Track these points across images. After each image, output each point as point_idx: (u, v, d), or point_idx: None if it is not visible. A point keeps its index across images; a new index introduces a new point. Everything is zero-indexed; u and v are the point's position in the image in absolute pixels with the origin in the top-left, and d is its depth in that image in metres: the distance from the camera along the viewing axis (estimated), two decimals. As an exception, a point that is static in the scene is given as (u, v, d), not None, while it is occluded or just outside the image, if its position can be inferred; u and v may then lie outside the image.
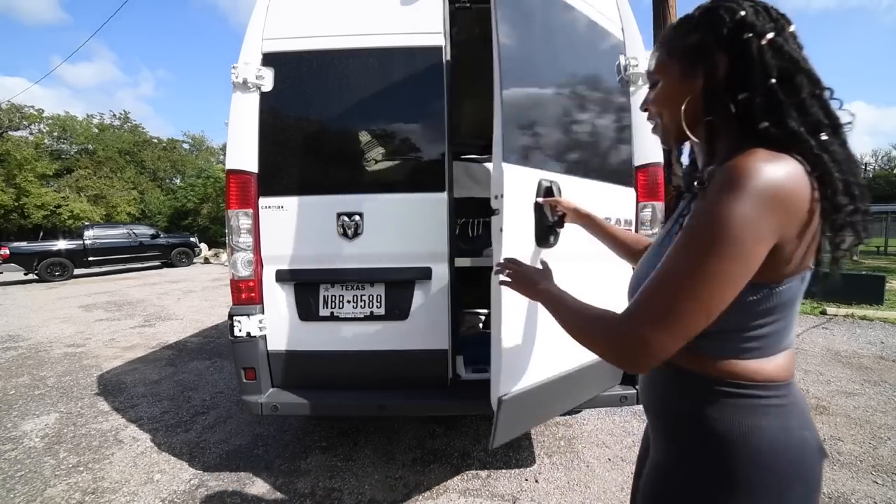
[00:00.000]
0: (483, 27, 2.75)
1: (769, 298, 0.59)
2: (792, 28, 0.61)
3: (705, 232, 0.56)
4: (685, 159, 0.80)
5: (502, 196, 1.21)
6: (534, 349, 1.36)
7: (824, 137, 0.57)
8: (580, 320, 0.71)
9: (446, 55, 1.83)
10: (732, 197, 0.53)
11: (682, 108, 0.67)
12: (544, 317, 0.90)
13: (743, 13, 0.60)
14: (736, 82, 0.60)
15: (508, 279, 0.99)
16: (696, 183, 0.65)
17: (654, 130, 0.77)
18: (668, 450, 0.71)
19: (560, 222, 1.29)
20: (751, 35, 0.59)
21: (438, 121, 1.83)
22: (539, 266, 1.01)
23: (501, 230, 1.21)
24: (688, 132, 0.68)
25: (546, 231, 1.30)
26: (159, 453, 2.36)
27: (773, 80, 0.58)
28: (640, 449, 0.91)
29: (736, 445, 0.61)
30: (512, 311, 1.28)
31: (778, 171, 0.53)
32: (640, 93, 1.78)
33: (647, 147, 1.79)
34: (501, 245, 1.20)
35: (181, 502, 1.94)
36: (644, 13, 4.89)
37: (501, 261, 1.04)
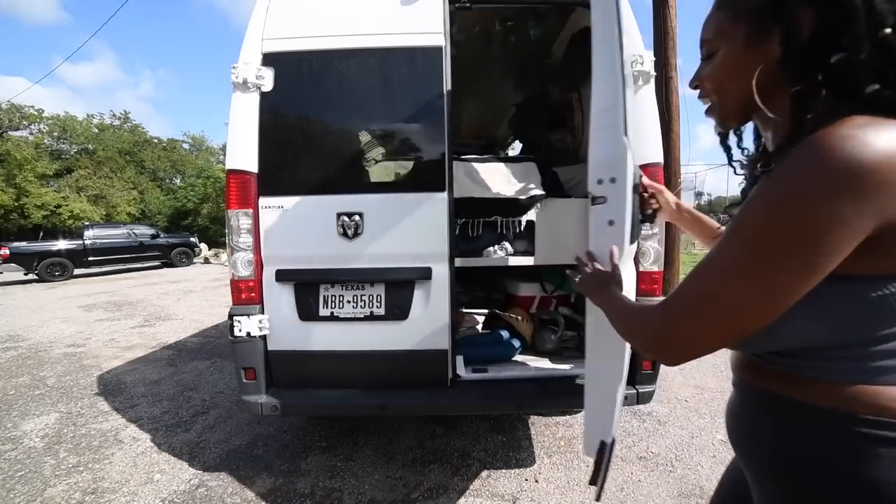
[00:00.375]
0: (483, 27, 2.78)
1: None
2: None
3: (755, 213, 0.47)
4: (748, 144, 0.68)
5: (622, 180, 0.93)
6: (620, 374, 1.13)
7: None
8: (627, 317, 0.67)
9: (446, 55, 1.83)
10: (802, 175, 0.44)
11: (754, 80, 0.54)
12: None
13: None
14: (828, 41, 0.47)
15: (581, 283, 0.87)
16: (759, 166, 0.55)
17: (708, 112, 0.65)
18: None
19: (652, 217, 1.07)
20: None
21: (438, 121, 1.83)
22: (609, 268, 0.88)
23: (612, 223, 0.94)
24: (765, 110, 0.55)
25: (635, 227, 1.08)
26: (159, 453, 2.36)
27: (889, 31, 0.45)
28: (731, 463, 0.79)
29: None
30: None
31: (881, 140, 0.42)
32: (640, 91, 1.76)
33: (648, 147, 1.78)
34: (623, 242, 0.91)
35: (181, 502, 1.95)
36: (644, 13, 4.90)
37: (586, 254, 0.88)
